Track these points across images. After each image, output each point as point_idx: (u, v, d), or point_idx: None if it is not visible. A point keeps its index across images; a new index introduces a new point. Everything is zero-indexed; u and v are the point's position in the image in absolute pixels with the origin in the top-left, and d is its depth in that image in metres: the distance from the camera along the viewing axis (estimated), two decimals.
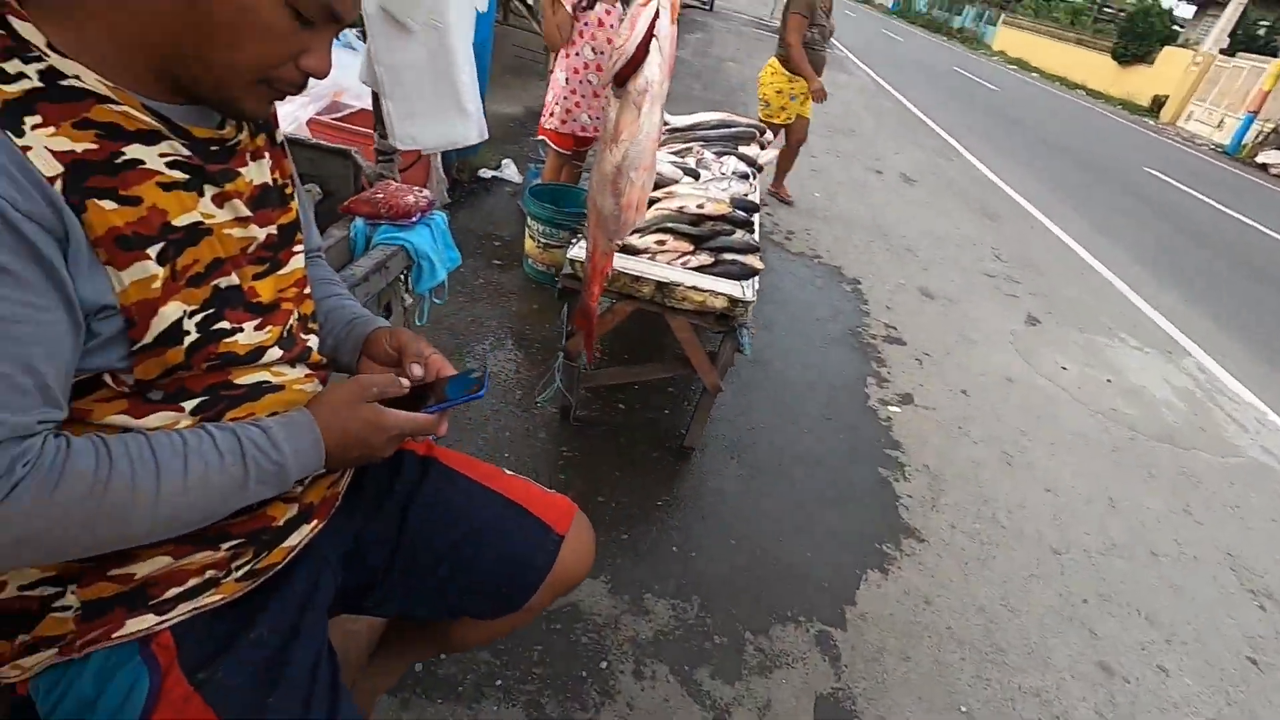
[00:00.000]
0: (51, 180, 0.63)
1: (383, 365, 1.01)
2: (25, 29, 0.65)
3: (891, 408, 3.29)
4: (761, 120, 4.88)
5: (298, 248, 0.95)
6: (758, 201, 2.84)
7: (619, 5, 3.27)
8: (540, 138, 3.66)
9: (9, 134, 0.61)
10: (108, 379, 0.73)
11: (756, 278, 2.29)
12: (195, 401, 0.79)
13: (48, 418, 0.66)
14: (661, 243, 2.26)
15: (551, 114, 3.49)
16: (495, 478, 1.13)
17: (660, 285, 2.18)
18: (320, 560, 0.95)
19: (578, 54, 3.33)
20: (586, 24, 3.25)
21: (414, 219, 1.60)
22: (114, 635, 0.76)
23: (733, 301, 2.17)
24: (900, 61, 19.69)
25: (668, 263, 2.26)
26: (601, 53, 3.30)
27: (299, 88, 0.79)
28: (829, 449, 2.88)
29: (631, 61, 1.55)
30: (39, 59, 0.65)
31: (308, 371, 0.94)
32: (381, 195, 1.60)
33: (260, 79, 0.74)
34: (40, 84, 0.64)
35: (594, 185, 1.74)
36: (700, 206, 2.36)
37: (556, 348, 2.85)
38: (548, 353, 3.01)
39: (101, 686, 0.76)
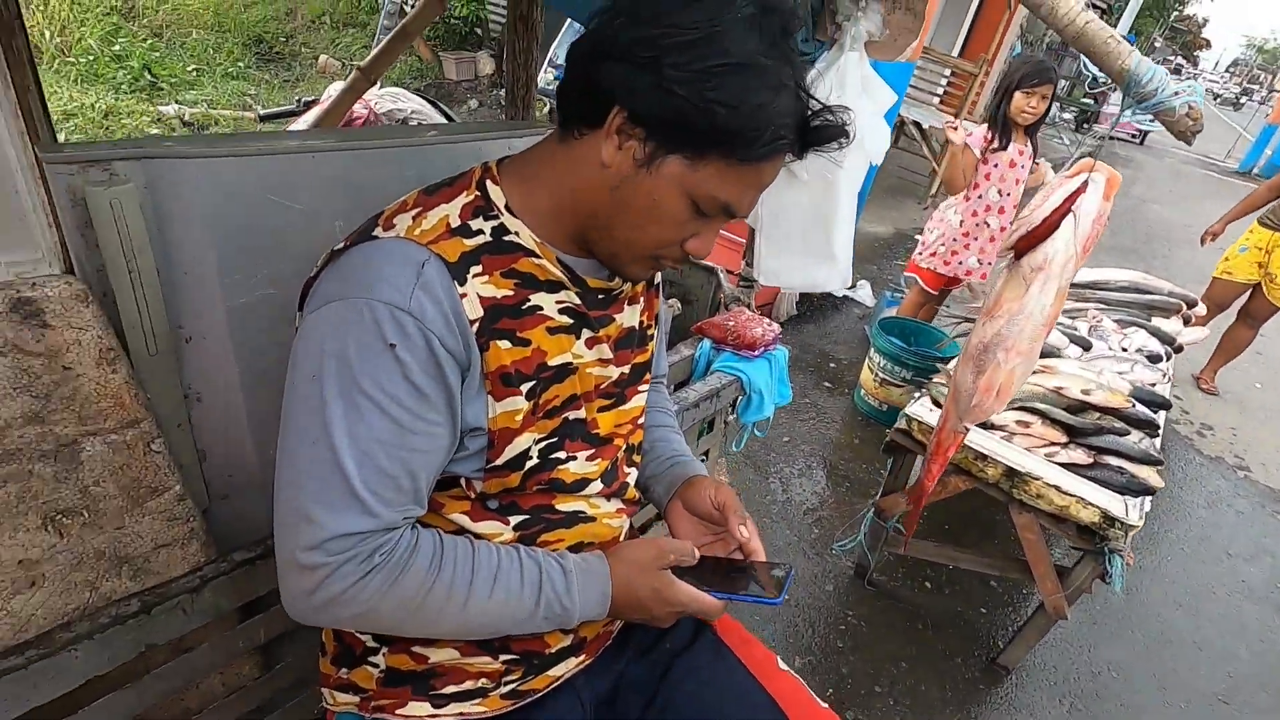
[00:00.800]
0: (472, 322, 0.74)
1: (694, 515, 1.00)
2: (495, 191, 0.79)
3: None
4: (1214, 276, 4.00)
5: (643, 386, 1.00)
6: (1168, 395, 2.27)
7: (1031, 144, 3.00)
8: (910, 275, 3.47)
9: (455, 282, 0.73)
10: (461, 482, 0.83)
11: (1149, 498, 1.80)
12: (520, 518, 0.86)
13: (410, 514, 0.76)
14: (1025, 424, 1.93)
15: (933, 254, 3.26)
16: (768, 670, 1.02)
17: (1011, 472, 1.84)
18: (576, 699, 0.95)
19: (980, 196, 3.07)
20: (996, 165, 3.00)
21: (757, 352, 1.61)
22: (396, 711, 0.85)
23: (1108, 519, 1.73)
24: None
25: (1027, 448, 1.91)
26: (1008, 194, 3.04)
27: (679, 263, 0.83)
28: None
29: (1034, 234, 1.36)
30: (495, 216, 0.78)
31: (620, 506, 0.98)
32: (733, 323, 1.65)
33: (651, 254, 0.79)
34: (490, 238, 0.77)
35: (961, 355, 1.56)
36: (1085, 393, 1.96)
37: (868, 497, 2.62)
38: (857, 495, 2.78)
39: None
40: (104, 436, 0.84)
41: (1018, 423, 1.93)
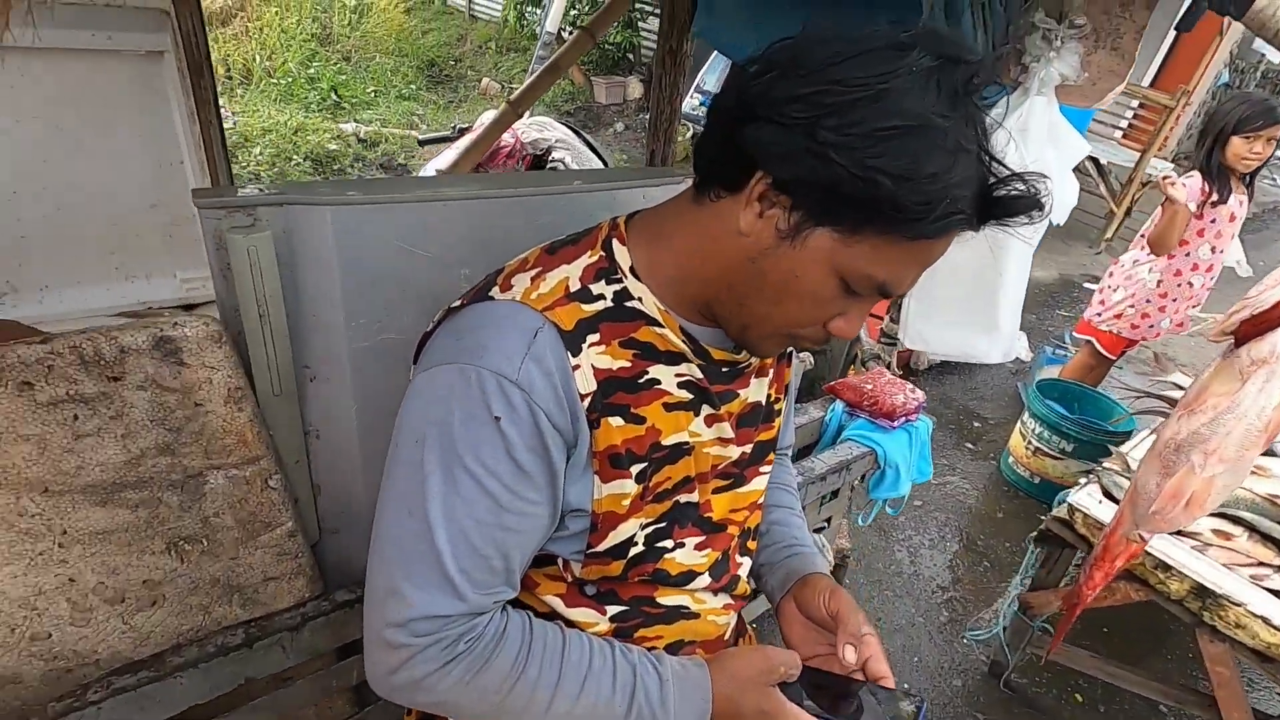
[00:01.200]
0: (583, 396, 0.68)
1: (807, 619, 0.88)
2: (620, 252, 0.73)
3: None
4: None
5: (765, 467, 0.91)
6: None
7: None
8: (1085, 338, 3.05)
9: (569, 353, 0.67)
10: (559, 562, 0.77)
11: None
12: (617, 609, 0.79)
13: (500, 597, 0.71)
14: (1225, 535, 1.61)
15: (1118, 315, 2.85)
16: None
17: (1202, 591, 1.54)
18: None
19: (1187, 254, 2.65)
20: (1213, 220, 2.57)
21: (896, 422, 1.44)
22: None
23: None
24: None
25: (1225, 564, 1.59)
26: (1220, 251, 2.61)
27: (820, 343, 0.74)
28: None
29: (1262, 319, 1.12)
30: (619, 280, 0.72)
31: (728, 601, 0.89)
32: (870, 386, 1.49)
33: (787, 332, 0.70)
34: (611, 303, 0.71)
35: (1149, 449, 1.31)
36: None
37: (1010, 581, 2.32)
38: (997, 576, 2.48)
39: None
40: (226, 471, 0.86)
41: (1216, 532, 1.61)
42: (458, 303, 0.75)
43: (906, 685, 0.79)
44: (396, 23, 8.21)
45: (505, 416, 0.65)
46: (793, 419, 1.15)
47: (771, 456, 0.91)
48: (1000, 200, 0.62)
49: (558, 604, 0.79)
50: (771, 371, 0.87)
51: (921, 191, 0.58)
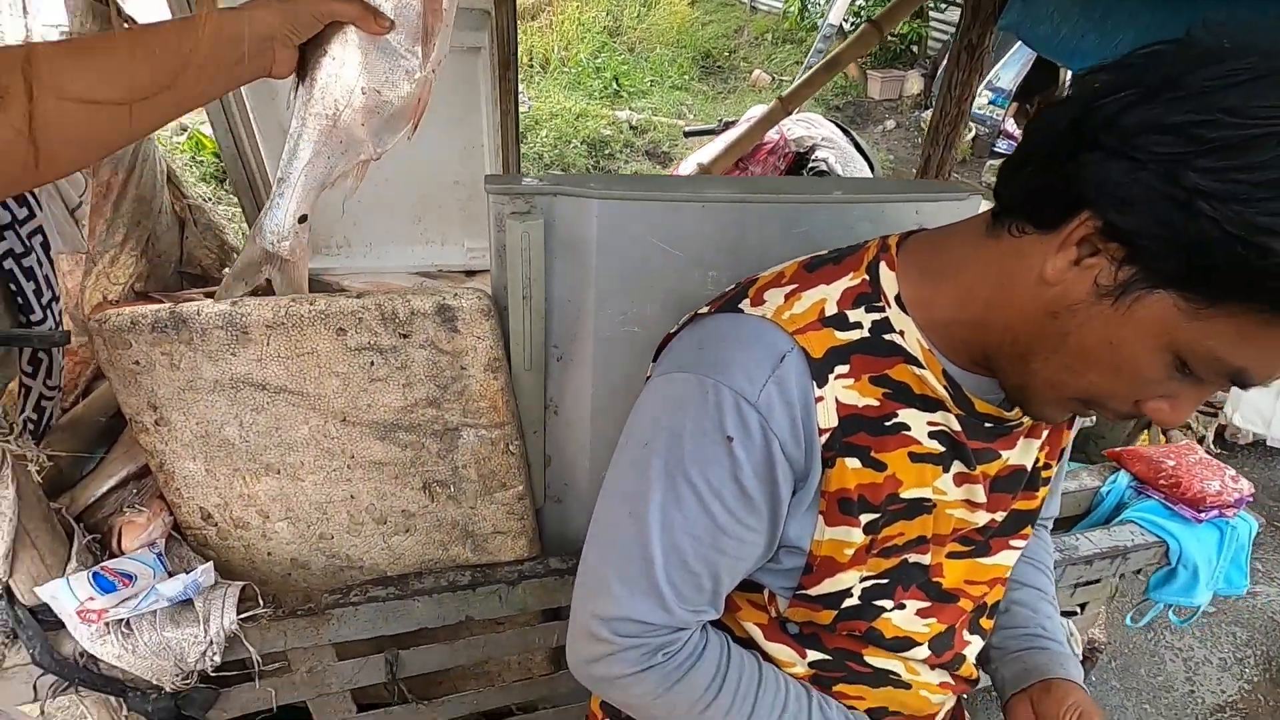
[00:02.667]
0: (822, 432, 0.63)
1: None
2: (887, 277, 0.66)
3: None
4: None
5: (1019, 541, 0.79)
6: None
7: None
8: None
9: (814, 383, 0.63)
10: (765, 592, 0.74)
11: None
12: (819, 656, 0.76)
13: (704, 617, 0.70)
14: None
15: None
16: None
17: None
18: None
19: None
20: None
21: (1204, 514, 1.16)
22: None
23: None
24: None
25: None
26: None
27: (1121, 419, 0.61)
28: None
29: None
30: (880, 308, 0.65)
31: (947, 680, 0.80)
32: (1173, 462, 1.22)
33: (1081, 400, 0.59)
34: (867, 333, 0.65)
35: None
36: None
37: None
38: None
39: None
40: (477, 430, 0.95)
41: None
42: (705, 309, 0.74)
43: None
44: (680, 15, 8.53)
45: (738, 438, 0.62)
46: (1060, 488, 0.99)
47: (1028, 530, 0.80)
48: None
49: (756, 633, 0.76)
50: (1046, 433, 0.75)
51: None
